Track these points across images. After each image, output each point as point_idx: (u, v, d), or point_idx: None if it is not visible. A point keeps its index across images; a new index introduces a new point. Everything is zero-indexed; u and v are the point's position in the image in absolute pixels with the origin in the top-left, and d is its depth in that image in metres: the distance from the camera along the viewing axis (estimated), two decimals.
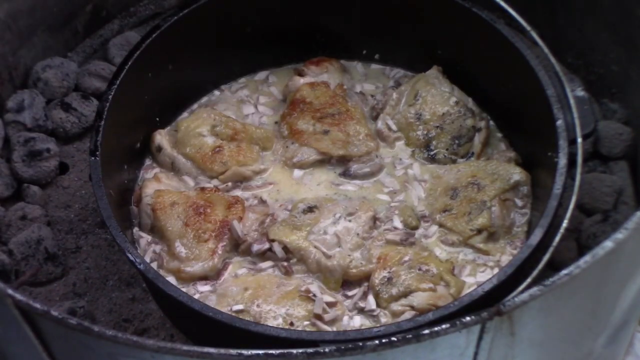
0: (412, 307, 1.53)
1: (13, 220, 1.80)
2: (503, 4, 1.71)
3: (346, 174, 1.79)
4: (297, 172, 1.80)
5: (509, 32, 1.73)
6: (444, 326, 1.15)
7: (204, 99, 1.94)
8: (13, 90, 1.98)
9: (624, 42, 1.89)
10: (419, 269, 1.57)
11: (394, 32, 1.91)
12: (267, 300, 1.55)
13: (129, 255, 1.49)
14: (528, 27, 1.67)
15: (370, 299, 1.57)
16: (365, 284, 1.60)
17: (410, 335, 1.14)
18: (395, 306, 1.54)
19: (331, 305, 1.56)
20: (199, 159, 1.77)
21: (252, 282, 1.60)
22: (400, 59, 1.96)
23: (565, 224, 1.45)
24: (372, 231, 1.67)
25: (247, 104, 1.93)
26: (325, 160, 1.80)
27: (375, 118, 1.87)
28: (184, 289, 1.53)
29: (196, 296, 1.57)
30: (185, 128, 1.81)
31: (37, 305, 1.19)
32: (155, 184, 1.74)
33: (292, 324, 1.52)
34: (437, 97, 1.82)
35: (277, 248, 1.63)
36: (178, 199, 1.69)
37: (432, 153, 1.80)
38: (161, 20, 1.79)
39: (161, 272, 1.61)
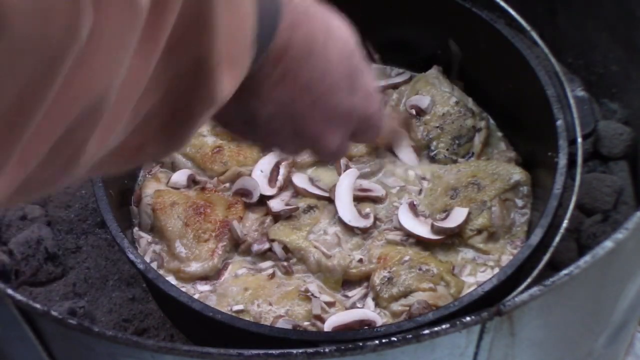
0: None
1: (13, 220, 1.80)
2: (503, 4, 1.71)
3: None
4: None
5: (509, 32, 1.73)
6: (444, 326, 1.15)
7: None
8: None
9: (624, 42, 1.89)
10: (419, 269, 1.57)
11: (394, 32, 1.91)
12: (267, 300, 1.55)
13: (129, 255, 1.49)
14: (528, 27, 1.67)
15: (369, 301, 1.57)
16: (366, 283, 1.61)
17: (410, 335, 1.15)
18: (395, 306, 1.54)
19: (330, 305, 1.56)
20: (199, 159, 1.77)
21: (252, 282, 1.60)
22: (400, 59, 1.96)
23: (565, 224, 1.45)
24: (373, 231, 1.67)
25: None
26: (325, 160, 1.80)
27: None
28: (183, 289, 1.53)
29: (196, 296, 1.56)
30: None
31: (37, 305, 1.19)
32: (155, 184, 1.74)
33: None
34: (437, 97, 1.82)
35: (277, 248, 1.63)
36: (178, 199, 1.69)
37: (432, 153, 1.80)
38: None
39: (161, 272, 1.61)
